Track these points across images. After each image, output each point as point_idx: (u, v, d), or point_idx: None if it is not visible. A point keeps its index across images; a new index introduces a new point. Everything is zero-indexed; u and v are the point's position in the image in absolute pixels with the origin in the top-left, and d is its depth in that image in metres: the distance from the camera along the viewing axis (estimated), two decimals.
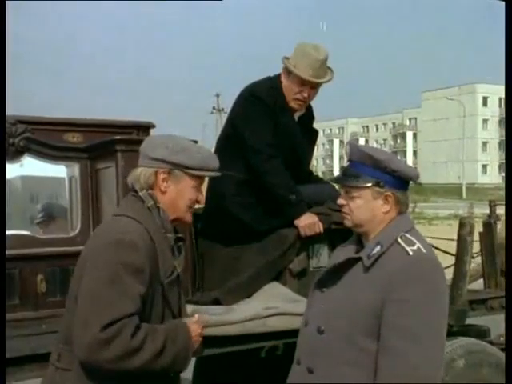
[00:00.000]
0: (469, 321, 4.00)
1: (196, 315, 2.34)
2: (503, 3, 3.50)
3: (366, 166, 2.24)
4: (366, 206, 2.25)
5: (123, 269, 2.05)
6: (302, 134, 3.69)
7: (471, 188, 57.07)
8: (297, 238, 3.45)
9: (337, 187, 3.51)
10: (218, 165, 2.36)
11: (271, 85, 3.64)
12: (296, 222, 3.46)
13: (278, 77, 3.67)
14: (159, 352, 2.08)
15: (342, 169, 2.37)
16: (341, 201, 2.32)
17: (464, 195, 50.38)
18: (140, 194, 2.25)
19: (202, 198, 2.37)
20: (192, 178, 2.28)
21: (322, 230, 3.46)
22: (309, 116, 3.81)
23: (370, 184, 2.23)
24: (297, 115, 3.70)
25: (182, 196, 2.27)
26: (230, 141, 3.66)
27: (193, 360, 4.07)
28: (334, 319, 2.20)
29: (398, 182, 2.25)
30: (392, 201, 2.25)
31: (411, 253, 2.16)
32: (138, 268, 2.08)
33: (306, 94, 3.61)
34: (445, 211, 30.45)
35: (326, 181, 4.30)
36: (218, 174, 2.39)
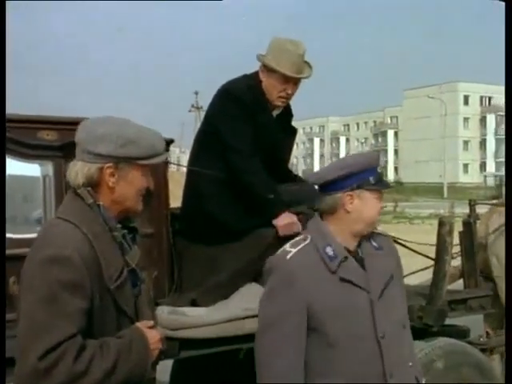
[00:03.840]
0: (448, 321, 4.03)
1: (151, 322, 2.21)
2: (498, 3, 3.55)
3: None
4: None
5: (59, 287, 1.95)
6: (281, 132, 3.70)
7: (452, 187, 57.53)
8: (275, 237, 3.44)
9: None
10: (164, 145, 2.26)
11: (248, 83, 3.64)
12: (274, 222, 3.46)
13: (255, 75, 3.69)
14: (110, 371, 1.97)
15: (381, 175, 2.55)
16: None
17: (445, 194, 50.79)
18: (79, 191, 2.14)
19: (152, 183, 2.26)
20: (141, 167, 2.18)
21: (300, 229, 3.44)
22: (287, 114, 3.83)
23: None
24: (275, 113, 3.72)
25: (132, 188, 2.17)
26: (208, 139, 3.66)
27: (170, 362, 4.09)
28: (392, 324, 2.43)
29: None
30: None
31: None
32: (76, 283, 1.98)
33: (290, 91, 3.64)
34: (426, 211, 30.66)
35: (304, 180, 4.33)
36: (166, 156, 2.32)
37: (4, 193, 2.99)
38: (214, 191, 3.58)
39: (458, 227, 4.32)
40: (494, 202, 5.37)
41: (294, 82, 3.64)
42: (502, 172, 65.73)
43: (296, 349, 2.35)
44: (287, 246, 2.45)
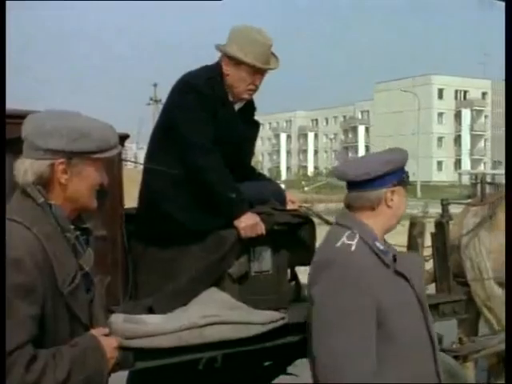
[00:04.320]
0: None
1: (106, 329, 2.22)
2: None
3: None
4: None
5: (9, 292, 1.95)
6: (243, 126, 3.70)
7: (426, 186, 58.17)
8: (237, 239, 3.45)
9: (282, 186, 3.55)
10: (117, 137, 2.27)
11: (209, 75, 3.64)
12: (236, 223, 3.46)
13: (216, 66, 3.69)
14: (63, 382, 1.97)
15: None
16: None
17: (419, 194, 51.35)
18: (28, 190, 2.13)
19: (106, 179, 2.27)
20: (94, 162, 2.19)
21: (263, 231, 3.48)
22: (250, 107, 3.84)
23: None
24: (237, 107, 3.72)
25: (85, 184, 2.18)
26: (165, 134, 3.65)
27: (123, 375, 4.06)
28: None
29: None
30: None
31: None
32: (27, 288, 1.98)
33: (257, 83, 3.68)
34: None
35: (268, 178, 4.35)
36: (120, 149, 2.33)
37: (4, 193, 2.96)
38: (171, 190, 3.56)
39: (431, 228, 4.38)
40: (468, 201, 5.46)
41: (262, 73, 3.67)
42: (478, 170, 66.66)
43: (373, 347, 2.42)
44: (345, 239, 2.54)
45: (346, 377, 2.36)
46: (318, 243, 3.77)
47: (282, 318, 3.31)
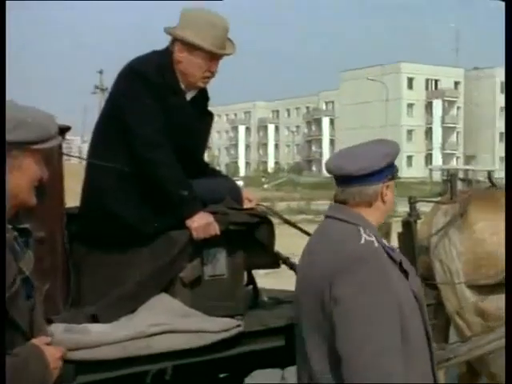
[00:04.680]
0: None
1: (49, 338, 2.23)
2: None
3: None
4: None
5: None
6: (196, 117, 3.70)
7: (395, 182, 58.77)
8: (189, 241, 3.45)
9: (239, 183, 3.58)
10: (57, 127, 2.30)
11: (159, 61, 3.63)
12: (188, 223, 3.46)
13: (166, 51, 3.67)
14: None
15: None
16: None
17: None
18: None
19: (46, 172, 2.28)
20: (34, 153, 2.20)
21: (218, 231, 3.48)
22: (202, 97, 3.84)
23: None
24: (189, 96, 3.72)
25: (25, 178, 2.20)
26: (111, 126, 3.63)
27: None
28: None
29: None
30: None
31: None
32: None
33: (214, 69, 3.68)
34: None
35: (224, 174, 4.35)
36: (60, 140, 2.36)
37: (4, 192, 2.91)
38: (117, 187, 3.54)
39: (399, 228, 4.42)
40: (438, 199, 5.51)
41: (218, 59, 3.68)
42: (450, 165, 67.65)
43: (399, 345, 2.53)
44: (366, 235, 2.63)
45: (390, 375, 2.46)
46: (276, 243, 3.81)
47: (238, 326, 3.32)
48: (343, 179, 2.69)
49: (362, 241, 2.61)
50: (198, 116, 3.74)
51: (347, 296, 2.52)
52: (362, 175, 2.64)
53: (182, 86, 3.68)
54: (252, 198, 3.90)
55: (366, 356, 2.46)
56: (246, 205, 3.81)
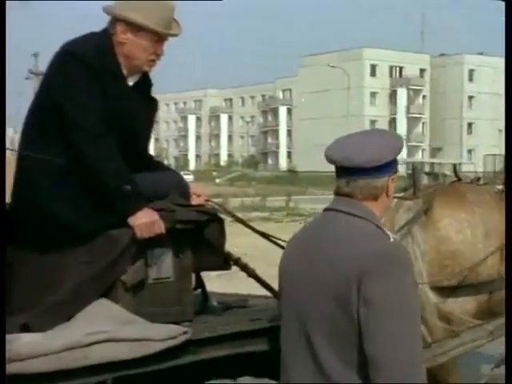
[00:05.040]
0: None
1: None
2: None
3: None
4: None
5: None
6: (139, 104, 3.69)
7: None
8: (131, 240, 3.43)
9: (187, 177, 3.57)
10: None
11: (98, 43, 3.61)
12: (130, 221, 3.45)
13: (105, 33, 3.65)
14: None
15: None
16: None
17: None
18: None
19: None
20: None
21: (163, 230, 3.48)
22: (145, 82, 3.83)
23: None
24: (131, 81, 3.71)
25: None
26: (45, 114, 3.60)
27: None
28: None
29: None
30: None
31: None
32: None
33: (160, 52, 3.70)
34: (325, 206, 31.44)
35: (170, 168, 4.33)
36: None
37: (4, 192, 2.87)
38: (52, 182, 3.52)
39: None
40: (401, 194, 5.56)
41: (164, 40, 3.69)
42: (415, 158, 68.38)
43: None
44: (388, 232, 2.76)
45: (420, 375, 2.66)
46: (227, 243, 3.81)
47: (185, 333, 3.31)
48: (349, 171, 2.75)
49: (391, 239, 2.72)
50: (141, 103, 3.73)
51: (381, 297, 2.60)
52: (372, 168, 2.73)
53: (124, 71, 3.66)
54: (200, 192, 3.90)
55: (401, 364, 2.59)
56: (195, 201, 3.81)
